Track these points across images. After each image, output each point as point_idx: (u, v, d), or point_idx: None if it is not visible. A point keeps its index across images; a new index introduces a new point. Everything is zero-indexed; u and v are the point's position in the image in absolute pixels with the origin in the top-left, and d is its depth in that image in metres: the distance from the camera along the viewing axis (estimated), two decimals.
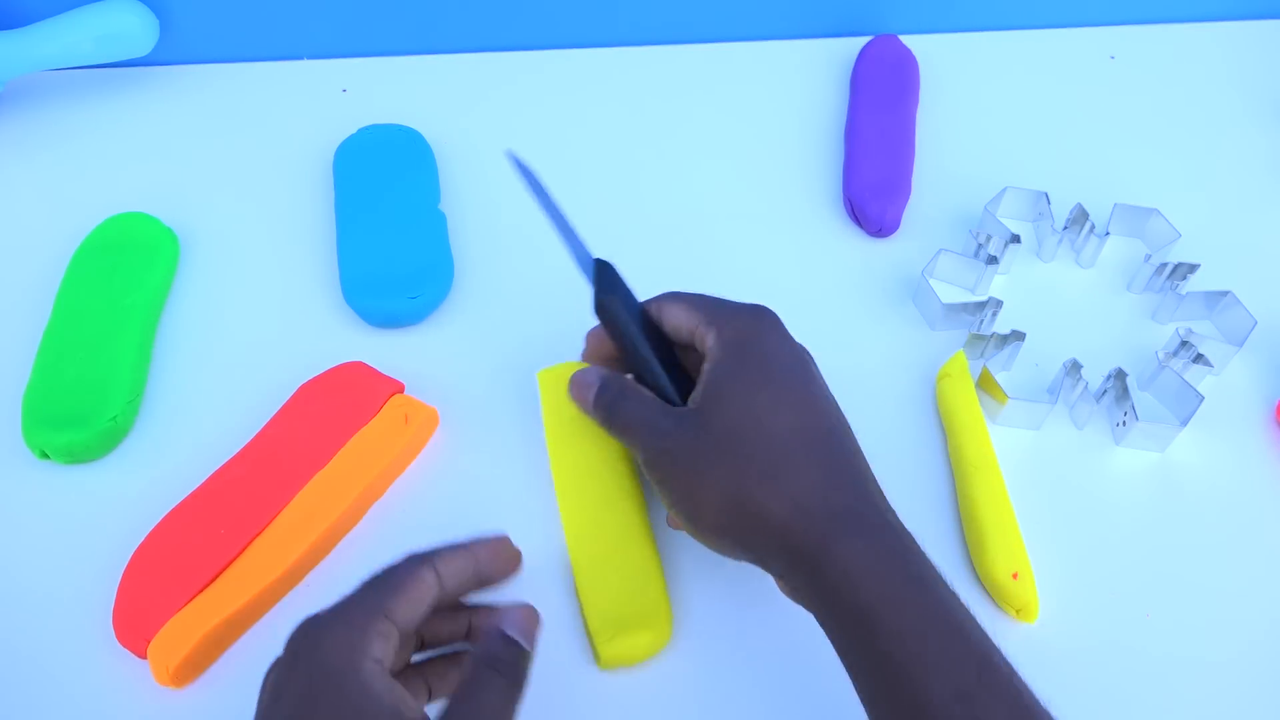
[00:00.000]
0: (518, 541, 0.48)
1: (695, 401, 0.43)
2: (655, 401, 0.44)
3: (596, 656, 0.45)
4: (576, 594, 0.46)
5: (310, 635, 0.35)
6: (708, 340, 0.44)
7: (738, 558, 0.43)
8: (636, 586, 0.45)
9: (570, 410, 0.49)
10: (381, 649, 0.35)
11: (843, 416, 0.44)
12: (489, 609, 0.40)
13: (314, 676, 0.34)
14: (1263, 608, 0.47)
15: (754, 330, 0.44)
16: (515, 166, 0.48)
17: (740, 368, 0.43)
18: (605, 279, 0.46)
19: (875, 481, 0.42)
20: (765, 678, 0.45)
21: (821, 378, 0.45)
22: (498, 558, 0.40)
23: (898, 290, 0.58)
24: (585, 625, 0.46)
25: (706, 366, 0.43)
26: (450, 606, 0.40)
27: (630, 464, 0.49)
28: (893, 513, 0.41)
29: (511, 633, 0.38)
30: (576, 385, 0.46)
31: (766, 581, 0.45)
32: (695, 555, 0.48)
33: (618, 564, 0.46)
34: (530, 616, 0.39)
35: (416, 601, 0.37)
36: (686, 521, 0.43)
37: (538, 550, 0.48)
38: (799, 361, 0.44)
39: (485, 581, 0.40)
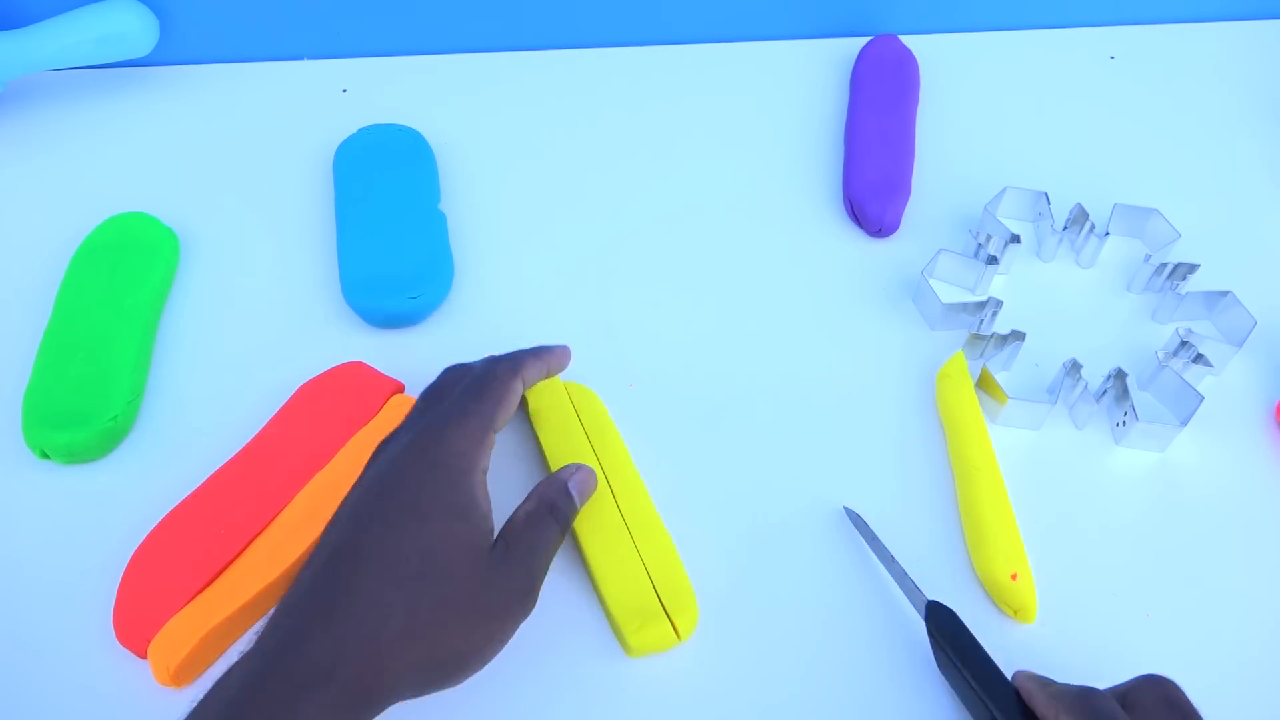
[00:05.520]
0: None
1: None
2: None
3: (626, 646, 0.45)
4: (595, 587, 0.46)
5: (439, 437, 0.41)
6: None
7: None
8: (657, 576, 0.45)
9: (557, 412, 0.49)
10: (487, 459, 0.42)
11: None
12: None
13: (438, 472, 0.40)
14: (1263, 607, 0.47)
15: None
16: (850, 519, 0.49)
17: None
18: (939, 624, 0.44)
19: None
20: (790, 661, 0.45)
21: None
22: (561, 360, 0.49)
23: (898, 290, 0.58)
24: (609, 617, 0.46)
25: None
26: None
27: (628, 457, 0.49)
28: None
29: (573, 488, 0.44)
30: None
31: (784, 568, 0.47)
32: (710, 544, 0.48)
33: (635, 555, 0.46)
34: (589, 480, 0.46)
35: (510, 411, 0.44)
36: None
37: None
38: None
39: (548, 375, 0.48)
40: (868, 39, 0.68)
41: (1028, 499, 0.50)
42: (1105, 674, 0.45)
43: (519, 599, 0.41)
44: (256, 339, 0.55)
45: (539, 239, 0.60)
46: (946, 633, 0.44)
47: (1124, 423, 0.51)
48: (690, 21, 0.68)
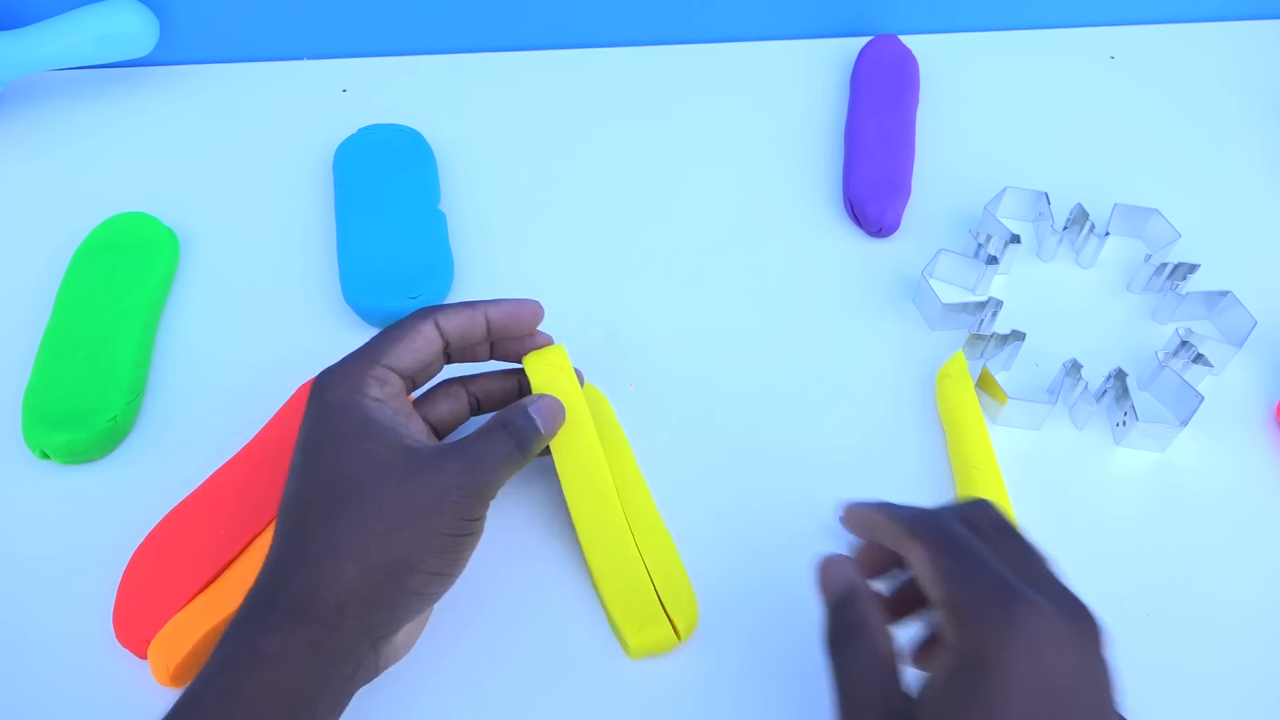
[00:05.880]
0: (526, 541, 0.48)
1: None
2: (886, 684, 0.34)
3: (625, 647, 0.45)
4: (595, 587, 0.46)
5: (320, 380, 0.42)
6: (946, 633, 0.33)
7: None
8: (658, 577, 0.46)
9: (570, 409, 0.47)
10: (378, 389, 0.41)
11: None
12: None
13: (321, 409, 0.41)
14: (1263, 607, 0.47)
15: (1020, 646, 0.31)
16: None
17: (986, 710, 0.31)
18: None
19: None
20: (790, 662, 0.45)
21: None
22: (509, 313, 0.45)
23: (898, 290, 0.58)
24: (609, 618, 0.46)
25: (938, 679, 0.33)
26: (503, 375, 0.48)
27: (632, 457, 0.49)
28: None
29: (533, 411, 0.43)
30: (824, 575, 0.38)
31: (784, 567, 0.46)
32: (710, 543, 0.48)
33: (635, 556, 0.46)
34: (555, 410, 0.44)
35: (414, 349, 0.43)
36: None
37: (546, 545, 0.48)
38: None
39: (500, 333, 0.46)
40: (868, 39, 0.67)
41: (1028, 499, 0.50)
42: None
43: (451, 490, 0.39)
44: (256, 339, 0.55)
45: (539, 239, 0.60)
46: None
47: (1124, 423, 0.51)
48: (690, 21, 0.68)
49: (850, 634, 0.36)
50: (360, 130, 0.62)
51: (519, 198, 0.61)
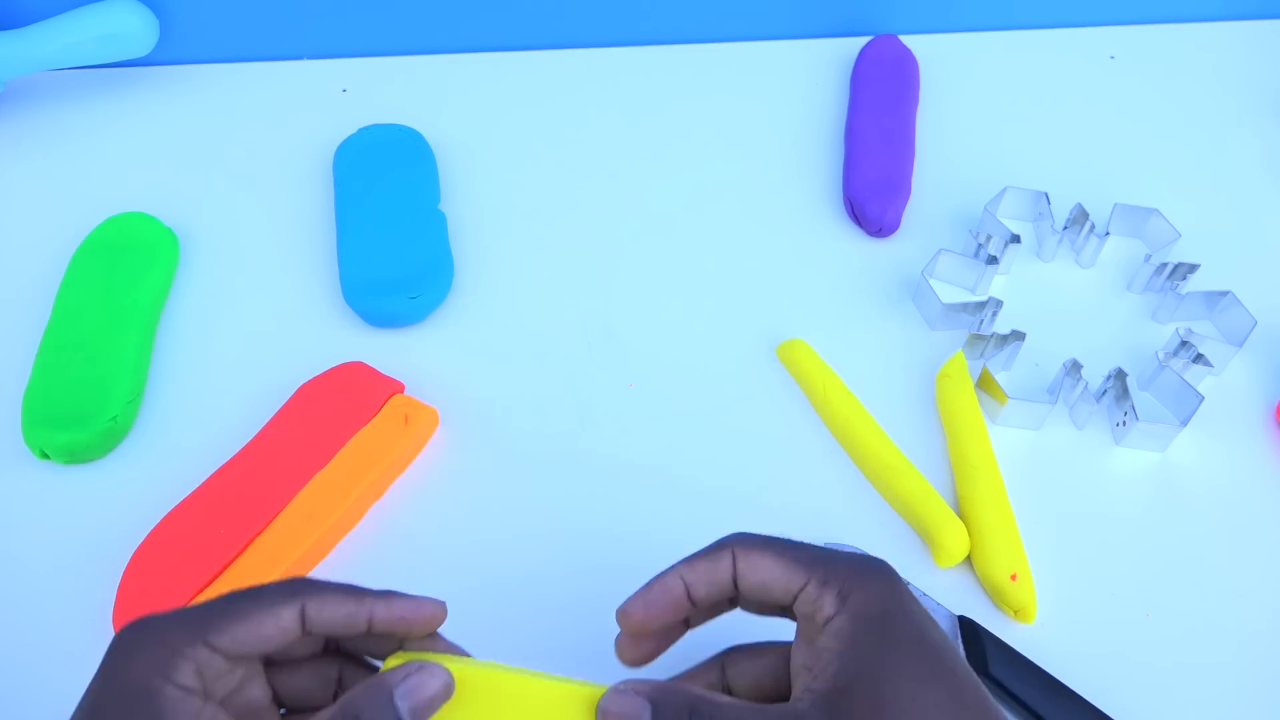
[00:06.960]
0: (507, 547, 0.47)
1: (829, 701, 0.32)
2: (756, 710, 0.32)
3: None
4: None
5: (125, 641, 0.32)
6: (824, 608, 0.33)
7: None
8: None
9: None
10: (191, 676, 0.31)
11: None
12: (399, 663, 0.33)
13: (105, 688, 0.31)
14: (1263, 608, 0.47)
15: (894, 598, 0.33)
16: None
17: (898, 656, 0.32)
18: (974, 635, 0.45)
19: None
20: None
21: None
22: (399, 619, 0.34)
23: (898, 290, 0.58)
24: None
25: (834, 645, 0.32)
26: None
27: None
28: None
29: (400, 700, 0.31)
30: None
31: None
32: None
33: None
34: (432, 686, 0.32)
35: (260, 635, 0.32)
36: None
37: (535, 555, 0.48)
38: (948, 641, 0.33)
39: (383, 632, 0.34)
40: (868, 39, 0.68)
41: (1028, 499, 0.50)
42: (1105, 674, 0.45)
43: None
44: (256, 339, 0.55)
45: (539, 239, 0.60)
46: (982, 641, 0.44)
47: (1124, 423, 0.51)
48: (690, 21, 0.68)
49: (698, 710, 0.32)
50: (360, 130, 0.62)
51: (519, 198, 0.61)
